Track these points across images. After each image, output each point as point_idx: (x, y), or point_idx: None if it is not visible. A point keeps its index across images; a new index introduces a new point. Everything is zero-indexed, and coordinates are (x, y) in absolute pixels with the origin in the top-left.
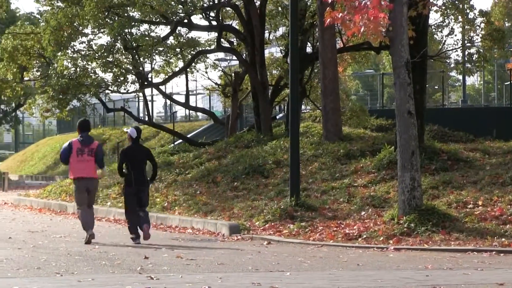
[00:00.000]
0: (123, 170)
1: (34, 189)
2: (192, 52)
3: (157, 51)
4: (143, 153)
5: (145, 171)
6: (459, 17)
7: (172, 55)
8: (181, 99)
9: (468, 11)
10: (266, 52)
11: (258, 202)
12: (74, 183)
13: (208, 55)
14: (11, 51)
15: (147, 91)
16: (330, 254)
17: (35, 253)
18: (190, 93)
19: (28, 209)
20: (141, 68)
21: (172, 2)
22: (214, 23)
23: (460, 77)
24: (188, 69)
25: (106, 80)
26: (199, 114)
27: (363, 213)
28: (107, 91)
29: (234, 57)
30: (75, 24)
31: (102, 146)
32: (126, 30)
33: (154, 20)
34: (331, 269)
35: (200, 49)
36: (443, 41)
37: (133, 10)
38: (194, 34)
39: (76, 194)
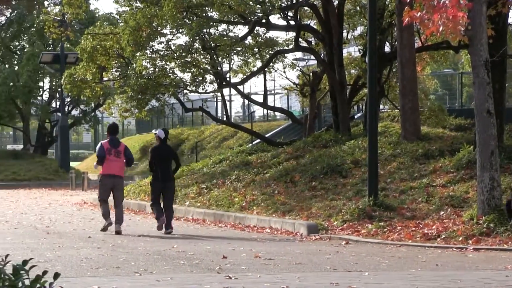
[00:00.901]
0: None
1: None
2: (270, 52)
3: (235, 51)
4: (169, 152)
5: (171, 168)
6: None
7: (250, 55)
8: (259, 98)
9: None
10: (344, 51)
11: (336, 201)
12: (101, 178)
13: (286, 55)
14: (90, 51)
15: (226, 91)
16: (409, 254)
17: (114, 252)
18: (268, 92)
19: None
20: (219, 68)
21: (250, 2)
22: (292, 22)
23: None
24: (266, 69)
25: (184, 80)
26: (277, 113)
27: (442, 213)
28: (185, 91)
29: (312, 57)
30: (153, 25)
31: (128, 148)
32: (205, 30)
33: (232, 20)
34: (410, 269)
35: (278, 48)
36: None
37: (211, 10)
38: (272, 33)
39: (100, 189)
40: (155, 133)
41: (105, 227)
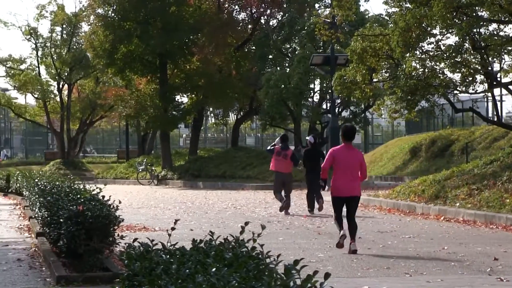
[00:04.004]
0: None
1: (383, 190)
2: None
3: (506, 50)
4: (317, 153)
5: (319, 164)
6: None
7: None
8: None
9: None
10: None
11: None
12: (274, 175)
13: None
14: (360, 53)
15: (496, 91)
16: None
17: (385, 253)
18: None
19: (377, 210)
20: (489, 68)
21: None
22: None
23: None
24: None
25: (454, 81)
26: None
27: None
28: (455, 92)
29: None
30: (423, 25)
31: (294, 152)
32: (474, 30)
33: (503, 19)
34: None
35: None
36: None
37: (481, 10)
38: None
39: (274, 183)
40: (307, 139)
41: (281, 207)
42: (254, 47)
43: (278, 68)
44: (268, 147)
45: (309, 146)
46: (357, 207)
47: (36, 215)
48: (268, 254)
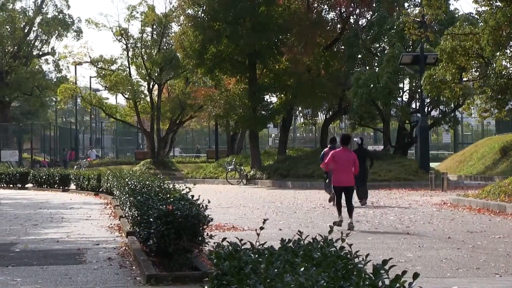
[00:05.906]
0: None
1: (472, 189)
2: None
3: None
4: (364, 154)
5: (365, 164)
6: None
7: None
8: None
9: None
10: None
11: None
12: (328, 174)
13: None
14: (450, 52)
15: None
16: None
17: (474, 253)
18: None
19: (466, 209)
20: None
21: None
22: None
23: None
24: None
25: None
26: None
27: None
28: None
29: None
30: None
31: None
32: None
33: None
34: None
35: None
36: None
37: None
38: None
39: (329, 182)
40: (355, 140)
41: (330, 198)
42: (343, 47)
43: (367, 67)
44: (322, 155)
45: (357, 147)
46: (352, 193)
47: (126, 214)
48: (356, 254)
